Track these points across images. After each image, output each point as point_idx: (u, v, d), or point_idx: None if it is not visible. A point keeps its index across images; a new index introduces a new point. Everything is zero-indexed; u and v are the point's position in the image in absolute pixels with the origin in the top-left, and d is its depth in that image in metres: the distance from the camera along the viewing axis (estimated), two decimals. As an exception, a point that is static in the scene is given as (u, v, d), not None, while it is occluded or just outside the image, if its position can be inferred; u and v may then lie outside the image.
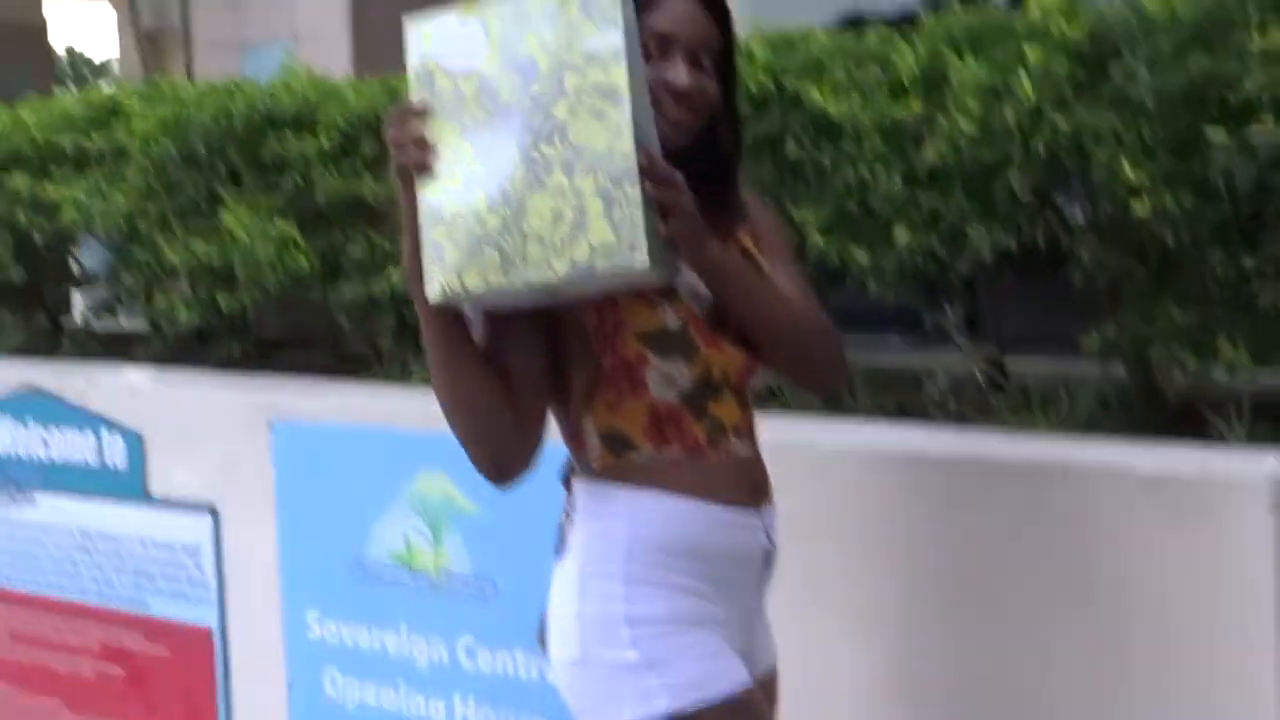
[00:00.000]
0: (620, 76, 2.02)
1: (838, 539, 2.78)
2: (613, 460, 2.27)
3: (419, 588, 3.53)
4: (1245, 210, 2.66)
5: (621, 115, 2.02)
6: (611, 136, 2.02)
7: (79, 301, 5.27)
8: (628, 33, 2.04)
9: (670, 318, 2.24)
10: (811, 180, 3.13)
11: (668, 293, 2.24)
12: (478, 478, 3.23)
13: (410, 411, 3.57)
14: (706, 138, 2.29)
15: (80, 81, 19.60)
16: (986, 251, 2.87)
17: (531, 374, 2.24)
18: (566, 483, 2.40)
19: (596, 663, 2.23)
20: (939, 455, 2.78)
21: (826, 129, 3.10)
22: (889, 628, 2.80)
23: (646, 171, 2.05)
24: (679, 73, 2.22)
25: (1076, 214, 2.90)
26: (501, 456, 2.24)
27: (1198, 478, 2.48)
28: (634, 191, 2.01)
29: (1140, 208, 2.66)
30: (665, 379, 2.24)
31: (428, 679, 3.53)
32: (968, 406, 3.08)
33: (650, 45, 2.22)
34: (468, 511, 3.42)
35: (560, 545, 2.43)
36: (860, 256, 3.03)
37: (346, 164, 3.99)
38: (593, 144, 2.02)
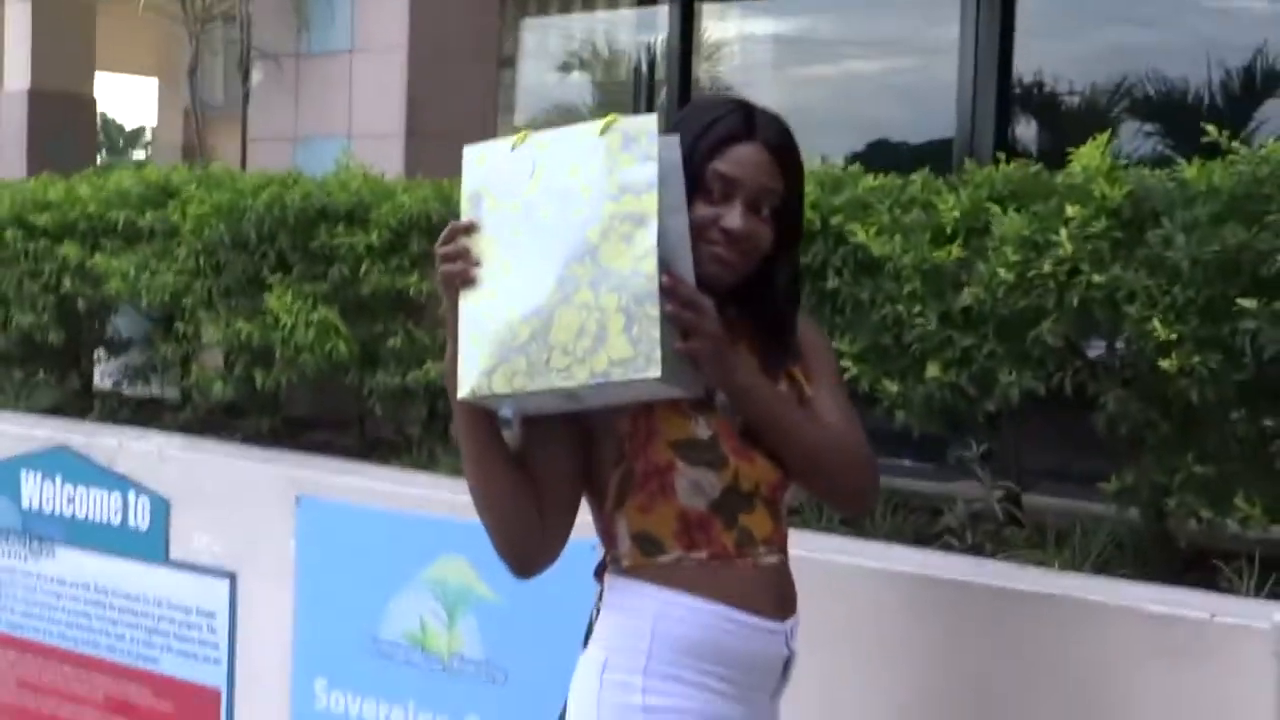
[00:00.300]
0: (650, 205, 2.21)
1: (849, 654, 2.88)
2: (643, 560, 2.40)
3: (430, 668, 3.62)
4: (1270, 375, 2.80)
5: (648, 240, 2.20)
6: (636, 259, 2.20)
7: (110, 368, 5.39)
8: (664, 168, 2.24)
9: (701, 428, 2.38)
10: (849, 312, 3.28)
11: (702, 406, 2.38)
12: (498, 566, 3.36)
13: (436, 498, 3.69)
14: (761, 279, 2.44)
15: (113, 148, 20.01)
16: (1015, 394, 3.01)
17: (561, 474, 2.39)
18: (599, 576, 2.52)
19: None
20: (952, 579, 2.91)
21: (868, 265, 3.26)
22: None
23: (670, 293, 2.22)
24: (734, 217, 2.37)
25: (1104, 364, 3.04)
26: (525, 550, 2.39)
27: (1205, 620, 2.60)
28: (653, 310, 2.19)
29: (1168, 364, 2.81)
30: (693, 486, 2.37)
31: (431, 758, 3.63)
32: (983, 538, 3.21)
33: (715, 187, 2.37)
34: (486, 598, 3.53)
35: (587, 635, 2.55)
36: (890, 387, 3.17)
37: (394, 260, 4.15)
38: (618, 265, 2.21)
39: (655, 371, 2.17)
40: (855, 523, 3.29)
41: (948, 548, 3.21)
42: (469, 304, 2.26)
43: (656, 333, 2.17)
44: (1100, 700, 2.67)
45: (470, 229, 2.30)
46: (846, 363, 3.18)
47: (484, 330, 2.23)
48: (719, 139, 2.36)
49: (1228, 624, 2.59)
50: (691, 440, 2.36)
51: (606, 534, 2.43)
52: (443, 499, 3.67)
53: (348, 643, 3.78)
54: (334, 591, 3.83)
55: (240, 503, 4.05)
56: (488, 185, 2.30)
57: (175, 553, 4.18)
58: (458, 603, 3.58)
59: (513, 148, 2.30)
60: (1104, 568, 3.01)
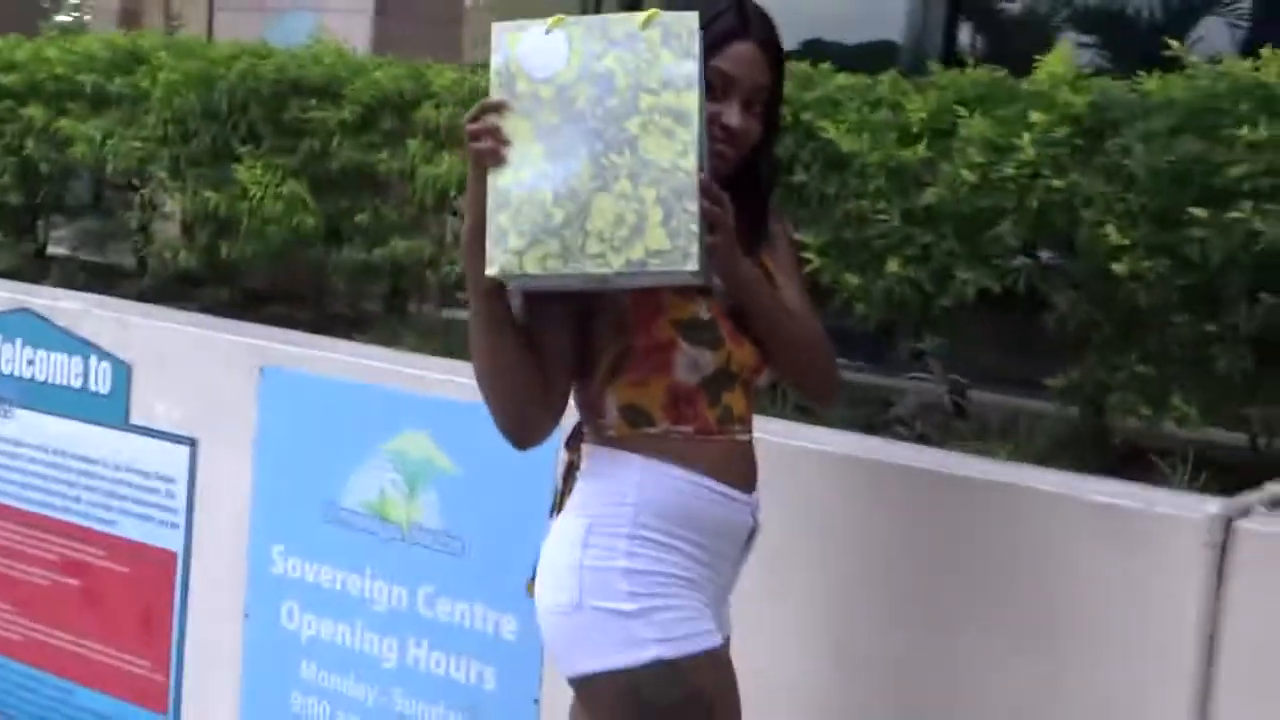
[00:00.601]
0: (692, 102, 2.30)
1: (798, 533, 3.01)
2: (629, 431, 2.52)
3: (388, 537, 3.73)
4: (1214, 282, 2.94)
5: (689, 136, 2.30)
6: (677, 155, 2.29)
7: (67, 234, 5.43)
8: (699, 65, 2.31)
9: (702, 310, 2.51)
10: (815, 205, 3.39)
11: (703, 290, 2.50)
12: (460, 439, 3.48)
13: (400, 372, 3.78)
14: (745, 170, 2.55)
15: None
16: (971, 291, 3.14)
17: (563, 348, 2.50)
18: (570, 446, 2.64)
19: (591, 611, 2.47)
20: (899, 464, 3.04)
21: (835, 161, 3.37)
22: (837, 620, 3.04)
23: (703, 190, 2.31)
24: (733, 114, 2.48)
25: (1058, 266, 3.17)
26: (529, 422, 2.50)
27: (1142, 510, 2.75)
28: (692, 206, 2.28)
29: (1120, 268, 2.94)
30: (691, 364, 2.50)
31: (385, 621, 3.74)
32: (931, 429, 3.35)
33: (715, 83, 2.47)
34: (446, 471, 3.63)
35: (558, 502, 2.67)
36: (851, 280, 3.29)
37: (364, 137, 4.22)
38: (659, 159, 2.29)
39: (693, 265, 2.28)
40: (808, 410, 3.42)
41: (896, 436, 3.35)
42: (498, 182, 2.32)
43: (695, 227, 2.27)
44: (1040, 583, 2.82)
45: (500, 107, 2.36)
46: (810, 255, 3.30)
47: (515, 210, 2.31)
48: (718, 36, 2.45)
49: (1163, 514, 2.73)
50: (694, 321, 2.49)
51: (591, 406, 2.54)
52: (407, 374, 3.76)
53: (306, 511, 3.87)
54: (294, 461, 3.92)
55: (203, 371, 4.11)
56: (520, 66, 2.35)
57: (136, 418, 4.24)
58: (418, 475, 3.68)
59: (547, 31, 2.36)
60: (1045, 461, 3.16)
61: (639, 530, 2.48)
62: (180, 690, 4.15)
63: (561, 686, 3.25)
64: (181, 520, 4.16)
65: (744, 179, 2.54)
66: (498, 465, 3.55)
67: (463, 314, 4.59)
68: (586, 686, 2.51)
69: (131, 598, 4.25)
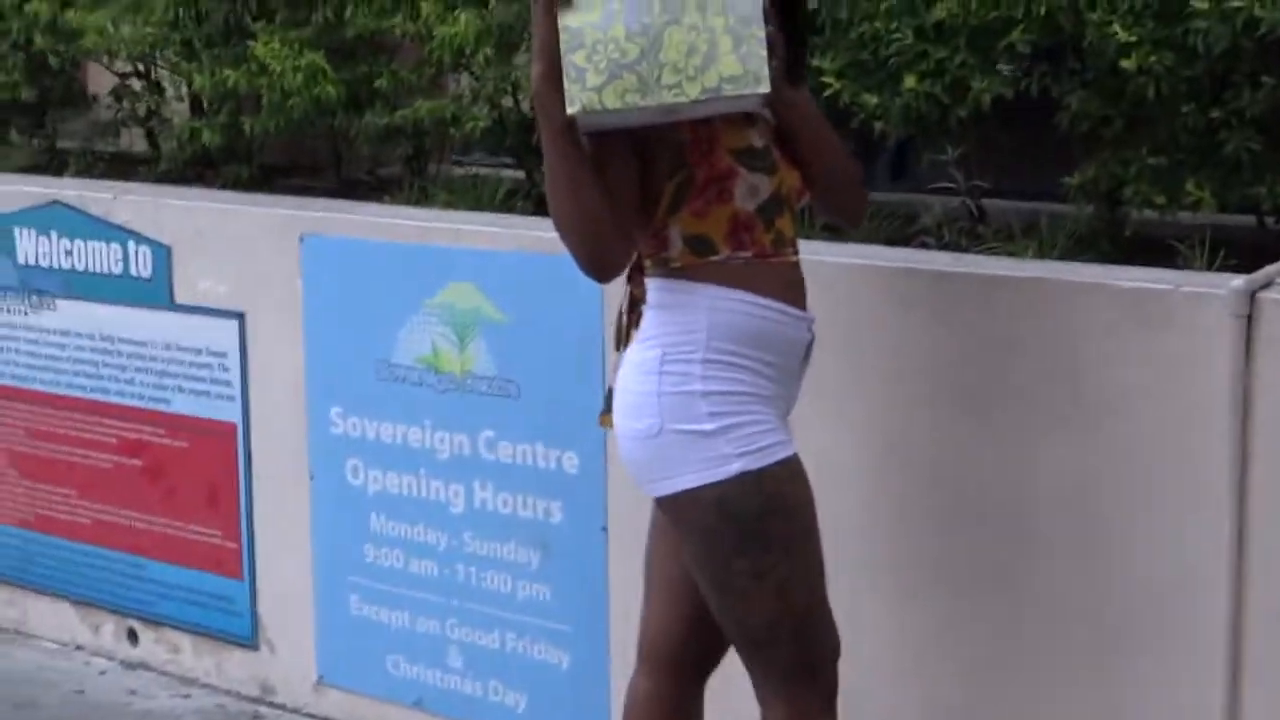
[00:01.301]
0: None
1: (839, 347, 3.18)
2: (694, 260, 2.67)
3: (443, 388, 3.90)
4: (1217, 70, 3.09)
5: None
6: None
7: (78, 126, 5.52)
8: None
9: (756, 137, 2.66)
10: (828, 31, 3.53)
11: (751, 117, 2.65)
12: (505, 287, 3.64)
13: (440, 228, 3.93)
14: (784, 4, 2.68)
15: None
16: (987, 100, 3.29)
17: (632, 182, 2.65)
18: (632, 280, 2.81)
19: (672, 434, 2.64)
20: (933, 270, 3.20)
21: (848, -13, 3.50)
22: (882, 417, 3.22)
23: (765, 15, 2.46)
24: None
25: (1068, 68, 3.32)
26: (610, 255, 2.66)
27: (1170, 290, 2.92)
28: (759, 31, 2.43)
29: (1128, 64, 3.09)
30: (750, 190, 2.66)
31: (448, 468, 3.92)
32: (957, 235, 3.52)
33: None
34: (494, 319, 3.79)
35: (623, 335, 2.84)
36: (870, 100, 3.43)
37: (377, 3, 4.32)
38: None
39: (765, 87, 2.44)
40: (836, 230, 3.58)
41: (923, 247, 3.52)
42: (570, 23, 2.45)
43: (763, 51, 2.43)
44: (1080, 372, 3.00)
45: None
46: (828, 79, 3.44)
47: (589, 49, 2.44)
48: None
49: (1190, 292, 2.91)
50: (750, 148, 2.65)
51: (654, 238, 2.70)
52: (446, 229, 3.91)
53: (360, 371, 4.04)
54: (343, 324, 4.07)
55: (243, 245, 4.24)
56: None
57: (181, 298, 4.38)
58: (467, 325, 3.83)
59: None
60: (1068, 257, 3.34)
61: (711, 354, 2.65)
62: (254, 556, 4.34)
63: (627, 512, 3.49)
64: (237, 392, 4.31)
65: (786, 13, 2.68)
66: (545, 310, 3.73)
67: (485, 168, 4.74)
68: (676, 504, 2.70)
69: (195, 471, 4.42)
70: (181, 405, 4.43)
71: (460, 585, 3.92)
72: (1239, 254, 3.21)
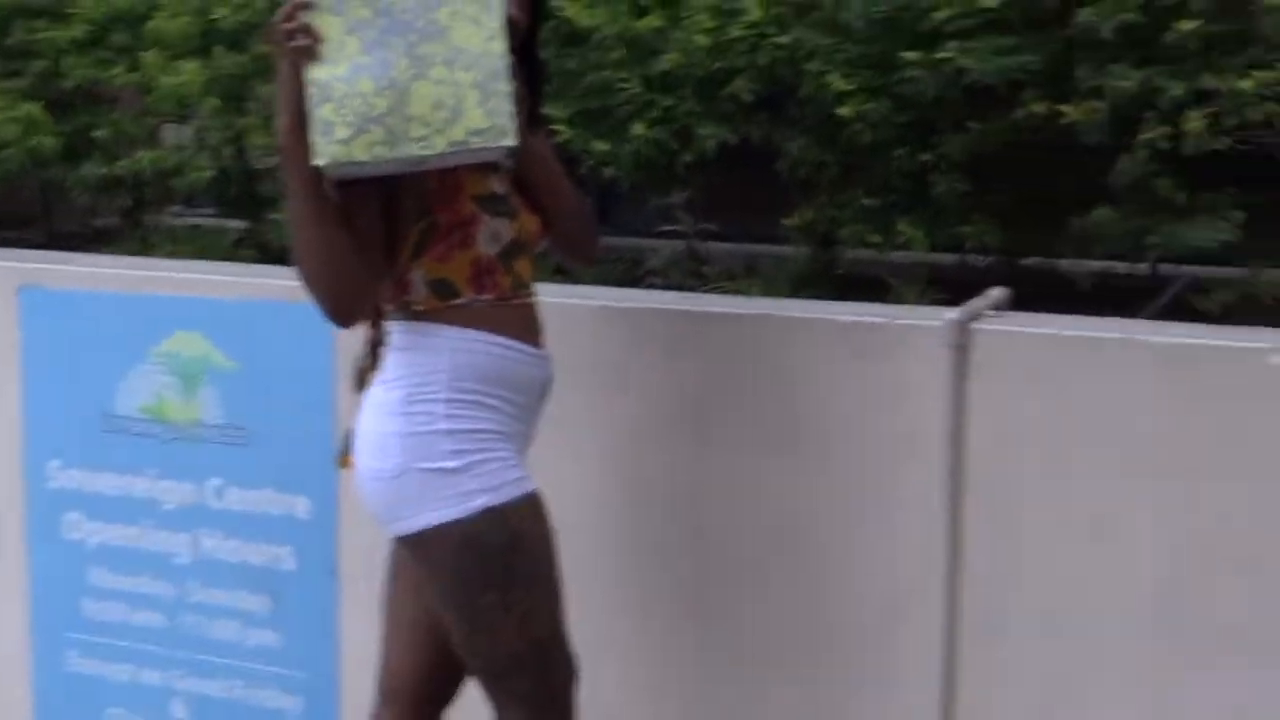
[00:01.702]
0: None
1: (574, 384, 3.23)
2: (437, 303, 2.70)
3: (169, 437, 3.84)
4: (927, 117, 3.28)
5: (494, 22, 2.49)
6: (485, 39, 2.48)
7: None
8: None
9: (497, 184, 2.72)
10: (559, 80, 3.62)
11: (492, 166, 2.72)
12: (233, 336, 3.62)
13: (164, 278, 3.87)
14: (521, 56, 2.74)
15: None
16: (712, 146, 3.42)
17: (376, 231, 2.67)
18: (373, 324, 2.84)
19: (417, 472, 2.65)
20: (660, 309, 3.30)
21: (574, 37, 3.60)
22: (621, 460, 3.30)
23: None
24: (510, 5, 2.66)
25: (788, 116, 3.47)
26: (355, 303, 2.66)
27: (886, 323, 3.06)
28: (504, 86, 2.49)
29: (845, 111, 3.25)
30: (493, 235, 2.71)
31: (174, 518, 3.83)
32: (684, 278, 3.63)
33: None
34: (223, 367, 3.75)
35: (363, 377, 2.87)
36: (600, 146, 3.54)
37: (96, 53, 4.28)
38: (470, 45, 2.48)
39: (512, 140, 2.49)
40: (565, 271, 3.66)
41: (653, 287, 3.62)
42: (318, 76, 2.47)
43: (510, 106, 2.48)
44: (803, 400, 3.11)
45: (310, 5, 2.49)
46: (560, 126, 3.53)
47: (338, 102, 2.46)
48: None
49: (906, 324, 3.04)
50: (492, 195, 2.70)
51: (398, 283, 2.72)
52: (170, 278, 3.86)
53: (82, 423, 3.93)
54: (64, 375, 3.96)
55: (-45, 297, 4.13)
56: None
57: (-113, 351, 4.24)
58: (194, 373, 3.79)
59: None
60: (790, 295, 3.47)
61: (455, 394, 2.68)
62: (-34, 613, 4.20)
63: (359, 555, 3.49)
64: (-50, 447, 4.19)
65: (522, 63, 2.76)
66: (274, 356, 3.70)
67: (205, 219, 4.71)
68: (420, 541, 2.70)
69: (-96, 529, 4.27)
70: (-112, 462, 4.27)
71: (186, 635, 3.84)
72: (948, 289, 3.38)
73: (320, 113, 2.47)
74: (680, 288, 3.61)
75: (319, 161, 2.48)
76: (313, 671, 3.69)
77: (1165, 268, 3.50)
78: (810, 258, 3.60)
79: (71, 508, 3.98)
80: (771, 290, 3.47)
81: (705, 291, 3.52)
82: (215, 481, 3.80)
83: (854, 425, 3.06)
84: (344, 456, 2.87)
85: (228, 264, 4.14)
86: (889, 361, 3.04)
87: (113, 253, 4.30)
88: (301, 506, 3.69)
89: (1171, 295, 3.34)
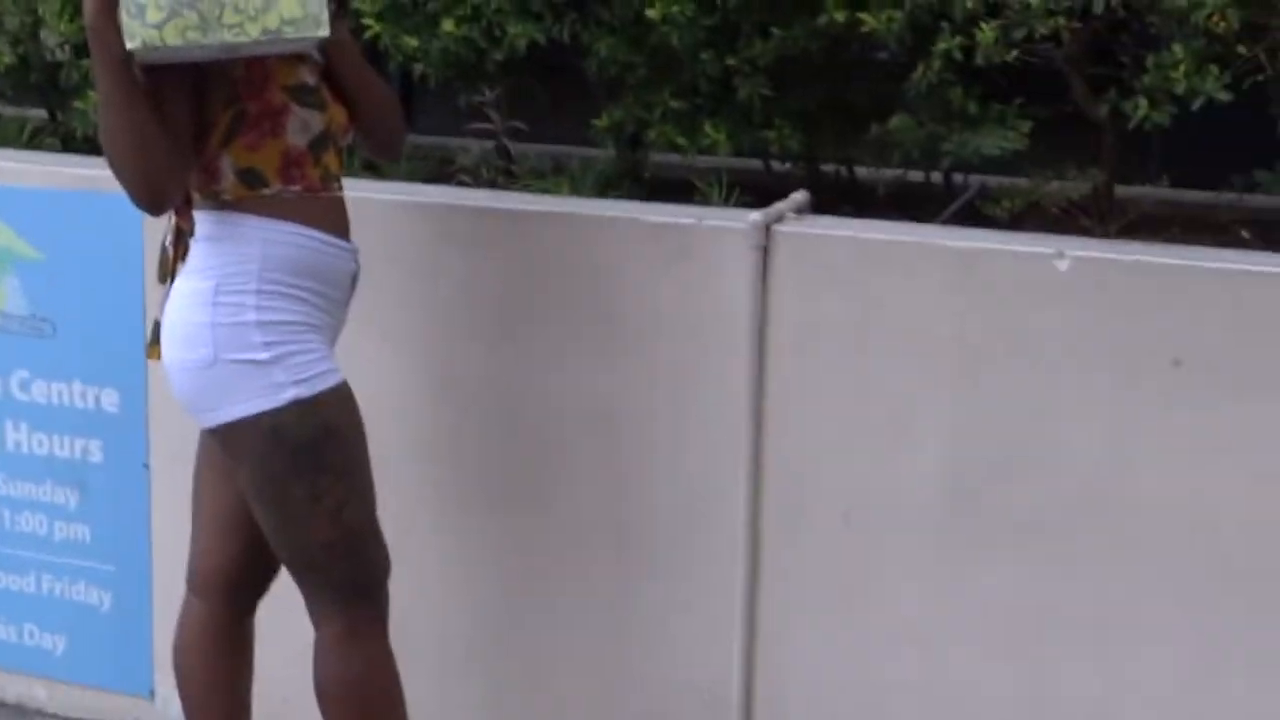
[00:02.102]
0: None
1: (385, 279, 3.29)
2: (246, 193, 2.74)
3: (-30, 329, 3.81)
4: (732, 21, 3.35)
5: None
6: None
7: None
8: None
9: (308, 75, 2.75)
10: (367, -27, 3.63)
11: (303, 55, 2.74)
12: (38, 226, 3.60)
13: (-37, 169, 3.84)
14: None
15: None
16: (522, 46, 3.46)
17: (186, 116, 2.69)
18: (179, 213, 2.86)
19: (227, 363, 2.71)
20: (473, 206, 3.36)
21: (382, -66, 3.60)
22: (428, 347, 3.36)
23: None
24: None
25: (596, 16, 3.51)
26: (165, 188, 2.70)
27: (694, 225, 3.16)
28: None
29: (652, 13, 3.30)
30: (303, 125, 2.75)
31: (-21, 410, 3.84)
32: (494, 174, 3.69)
33: None
34: (28, 256, 3.73)
35: (170, 266, 2.89)
36: (410, 42, 3.55)
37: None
38: None
39: (325, 31, 2.53)
40: (375, 167, 3.69)
41: (462, 185, 3.67)
42: None
43: None
44: (611, 297, 3.21)
45: None
46: (368, 21, 3.54)
47: None
48: None
49: (712, 226, 3.15)
50: (302, 85, 2.73)
51: (205, 170, 2.74)
52: (-31, 168, 3.82)
53: (-124, 312, 3.90)
54: None
55: None
56: None
57: None
58: (-2, 264, 3.77)
59: None
60: (599, 195, 3.54)
61: (265, 285, 2.73)
62: None
63: (170, 448, 3.52)
64: None
65: None
66: (81, 247, 3.69)
67: (3, 108, 4.62)
68: (230, 432, 2.76)
69: None
70: None
71: (-7, 529, 3.86)
72: (751, 194, 3.48)
73: None
74: (490, 186, 3.66)
75: (131, 45, 2.50)
76: (123, 565, 3.73)
77: (957, 177, 3.63)
78: (617, 159, 3.66)
79: None
80: (579, 190, 3.54)
81: (514, 190, 3.57)
82: (20, 374, 3.79)
83: (661, 322, 3.18)
84: (153, 347, 2.91)
85: (29, 152, 4.08)
86: (696, 261, 3.15)
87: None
88: (110, 399, 3.70)
89: (963, 202, 3.47)
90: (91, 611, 3.79)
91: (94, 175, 3.65)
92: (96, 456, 3.74)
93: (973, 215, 3.40)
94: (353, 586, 2.85)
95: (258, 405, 2.71)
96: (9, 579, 3.85)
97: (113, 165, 2.67)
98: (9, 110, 4.54)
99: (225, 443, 2.80)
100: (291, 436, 2.72)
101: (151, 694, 3.76)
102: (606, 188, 3.59)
